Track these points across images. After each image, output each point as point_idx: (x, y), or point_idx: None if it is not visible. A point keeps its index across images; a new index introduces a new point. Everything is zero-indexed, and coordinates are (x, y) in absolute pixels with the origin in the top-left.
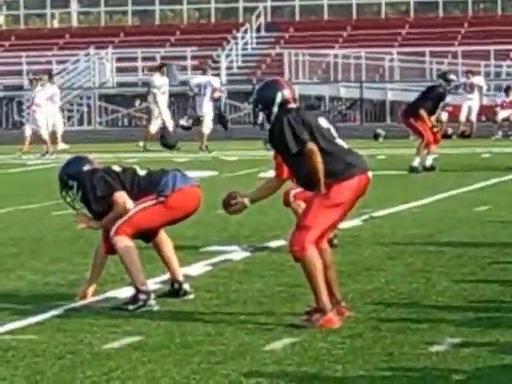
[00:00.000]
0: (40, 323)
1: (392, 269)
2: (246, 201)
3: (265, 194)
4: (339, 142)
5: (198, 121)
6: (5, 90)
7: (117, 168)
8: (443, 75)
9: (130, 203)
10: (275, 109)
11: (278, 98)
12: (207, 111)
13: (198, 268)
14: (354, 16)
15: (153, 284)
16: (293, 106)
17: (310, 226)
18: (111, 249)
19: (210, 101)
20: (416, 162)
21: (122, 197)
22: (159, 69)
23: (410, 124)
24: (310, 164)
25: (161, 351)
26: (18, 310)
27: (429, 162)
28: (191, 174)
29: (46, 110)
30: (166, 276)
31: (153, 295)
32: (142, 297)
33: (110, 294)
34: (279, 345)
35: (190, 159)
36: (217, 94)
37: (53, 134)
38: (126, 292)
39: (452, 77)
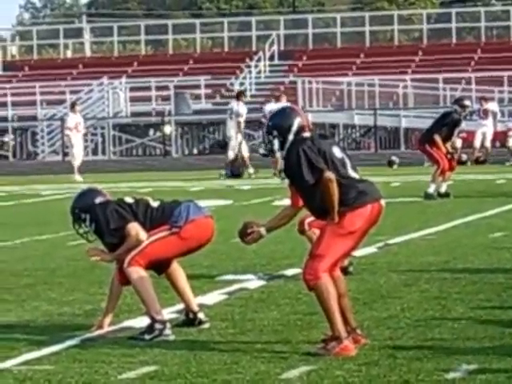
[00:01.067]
0: (56, 353)
1: (408, 296)
2: (263, 230)
3: (281, 222)
4: (351, 171)
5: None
6: (19, 120)
7: (129, 200)
8: (458, 101)
9: (143, 234)
10: (291, 137)
11: (295, 126)
12: None
13: (214, 297)
14: (367, 43)
15: (168, 313)
16: (307, 134)
17: (323, 255)
18: (126, 280)
19: None
20: (431, 189)
21: (134, 227)
22: (238, 97)
23: (425, 150)
24: (326, 192)
25: (177, 380)
26: (33, 340)
27: (443, 188)
28: (205, 203)
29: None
30: (182, 305)
31: (169, 325)
32: (158, 326)
33: (126, 323)
34: (295, 373)
35: (203, 188)
36: None
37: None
38: (142, 322)
39: (467, 103)
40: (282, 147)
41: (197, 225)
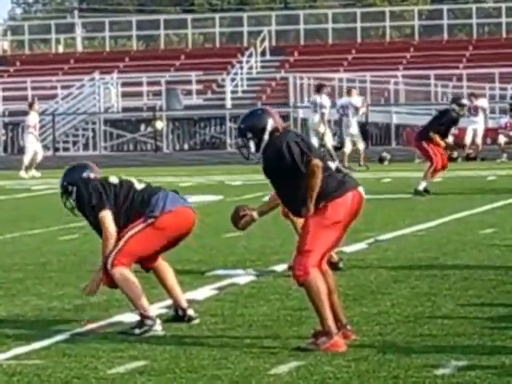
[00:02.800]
0: (45, 348)
1: (397, 292)
2: (255, 214)
3: (272, 205)
4: (330, 161)
5: (343, 142)
6: (10, 115)
7: (114, 180)
8: (456, 100)
9: (112, 228)
10: (266, 137)
11: (269, 126)
12: (353, 130)
13: (204, 292)
14: (359, 39)
15: (158, 308)
16: (281, 132)
17: (310, 250)
18: (112, 282)
19: (354, 119)
20: (421, 186)
21: (106, 219)
22: (320, 89)
23: (421, 148)
24: (311, 180)
25: (166, 375)
26: (23, 335)
27: (423, 186)
28: (197, 198)
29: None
30: (171, 301)
31: (158, 321)
32: (148, 322)
33: (116, 318)
34: (285, 368)
35: (194, 183)
36: (361, 112)
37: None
38: (132, 317)
39: (465, 102)
40: (257, 149)
41: (173, 215)
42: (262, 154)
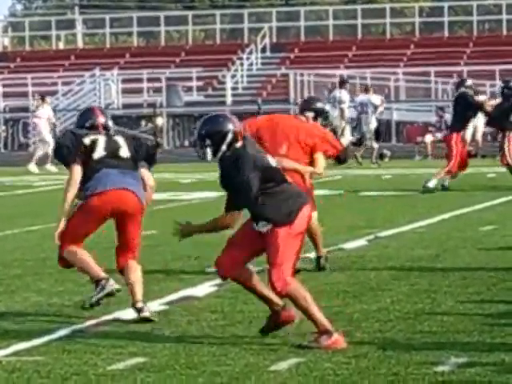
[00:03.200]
0: (45, 344)
1: (397, 289)
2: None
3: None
4: (285, 176)
5: (362, 138)
6: (10, 111)
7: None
8: (462, 82)
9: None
10: (224, 147)
11: (229, 135)
12: (371, 127)
13: (204, 289)
14: (359, 36)
15: (159, 305)
16: (240, 143)
17: (282, 262)
18: (66, 263)
19: (373, 117)
20: (432, 183)
21: (75, 171)
22: (342, 85)
23: (449, 143)
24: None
25: (166, 372)
26: (23, 331)
27: (433, 183)
28: (198, 195)
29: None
30: (171, 297)
31: (112, 279)
32: (102, 282)
33: (116, 314)
34: (284, 365)
35: (194, 180)
36: (379, 110)
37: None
38: (132, 314)
39: (470, 82)
40: (214, 154)
41: (99, 197)
42: (218, 162)
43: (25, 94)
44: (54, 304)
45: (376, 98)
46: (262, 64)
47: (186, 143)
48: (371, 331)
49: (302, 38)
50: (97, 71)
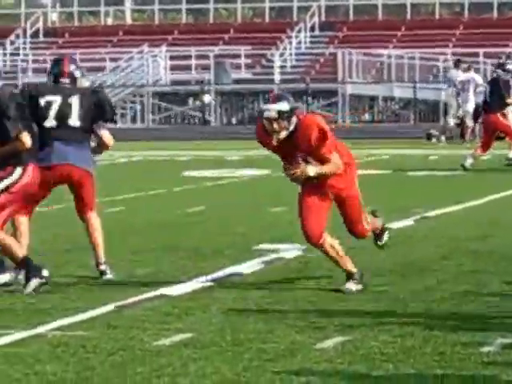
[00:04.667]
0: (91, 319)
1: (444, 269)
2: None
3: None
4: None
5: (464, 117)
6: None
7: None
8: (500, 66)
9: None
10: None
11: None
12: (470, 107)
13: (250, 266)
14: (408, 16)
15: (205, 281)
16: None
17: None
18: None
19: (473, 96)
20: (468, 163)
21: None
22: (457, 65)
23: (495, 122)
24: None
25: (211, 348)
26: (68, 306)
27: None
28: (243, 172)
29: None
30: (219, 273)
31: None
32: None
33: (162, 290)
34: (330, 343)
35: (241, 158)
36: (480, 89)
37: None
38: (179, 289)
39: (510, 67)
40: None
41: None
42: None
43: None
44: (100, 279)
45: (478, 77)
46: (311, 43)
47: (234, 121)
48: (417, 311)
49: (351, 16)
50: (145, 47)
